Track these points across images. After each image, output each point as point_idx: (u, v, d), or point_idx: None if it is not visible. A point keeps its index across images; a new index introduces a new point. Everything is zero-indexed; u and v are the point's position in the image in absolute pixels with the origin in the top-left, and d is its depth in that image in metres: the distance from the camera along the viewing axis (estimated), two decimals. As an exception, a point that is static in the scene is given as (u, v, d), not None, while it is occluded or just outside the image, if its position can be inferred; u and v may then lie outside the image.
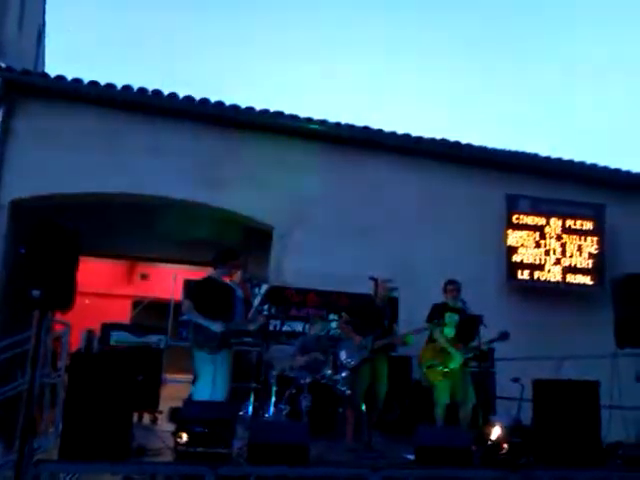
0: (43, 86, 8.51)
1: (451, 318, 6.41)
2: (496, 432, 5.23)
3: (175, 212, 9.27)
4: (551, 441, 4.94)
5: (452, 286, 6.54)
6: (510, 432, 5.08)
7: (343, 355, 6.40)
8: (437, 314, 6.39)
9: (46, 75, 8.78)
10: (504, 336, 6.28)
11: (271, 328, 7.32)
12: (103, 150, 8.54)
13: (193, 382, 6.45)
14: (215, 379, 5.59)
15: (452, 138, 9.77)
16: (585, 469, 4.97)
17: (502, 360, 7.48)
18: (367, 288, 6.64)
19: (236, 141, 9.09)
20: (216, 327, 5.60)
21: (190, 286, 6.03)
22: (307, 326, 7.83)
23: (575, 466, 4.89)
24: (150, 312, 9.66)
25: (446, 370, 6.16)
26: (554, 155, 10.11)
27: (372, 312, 6.40)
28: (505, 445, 5.00)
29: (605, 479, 5.19)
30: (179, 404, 5.67)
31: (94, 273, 10.44)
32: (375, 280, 6.52)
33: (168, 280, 9.20)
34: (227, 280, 6.01)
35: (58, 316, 5.22)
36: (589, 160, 10.22)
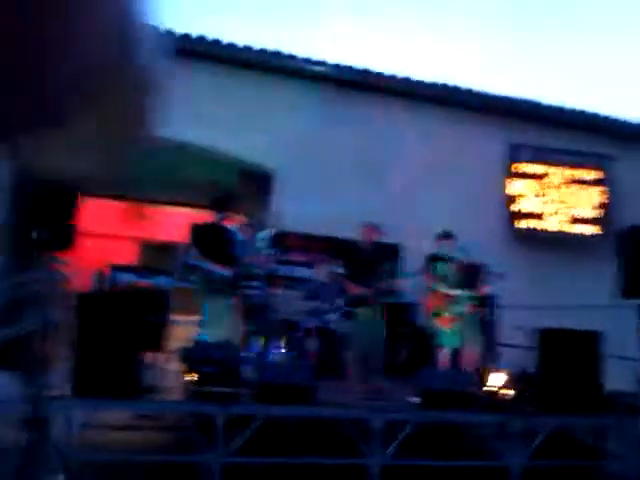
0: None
1: (441, 267, 6.45)
2: (499, 378, 5.33)
3: (177, 155, 9.17)
4: (553, 388, 5.05)
5: (443, 236, 6.56)
6: (513, 379, 5.17)
7: (340, 301, 6.46)
8: (430, 263, 6.46)
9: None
10: (500, 276, 6.32)
11: (276, 273, 7.34)
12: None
13: (199, 324, 6.52)
14: (224, 322, 5.65)
15: (454, 83, 9.59)
16: (585, 416, 5.10)
17: (506, 307, 7.54)
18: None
19: (234, 81, 8.90)
20: (225, 272, 5.62)
21: (195, 231, 6.02)
22: (312, 271, 7.87)
23: (576, 413, 5.01)
24: (158, 254, 9.68)
25: (451, 316, 6.22)
26: (557, 103, 9.96)
27: (361, 258, 6.41)
28: (508, 391, 5.10)
29: (604, 426, 5.33)
30: (188, 345, 5.76)
31: (103, 215, 10.42)
32: (365, 227, 6.50)
33: (174, 222, 9.18)
34: (229, 224, 6.00)
35: (66, 256, 5.22)
36: (596, 110, 10.10)
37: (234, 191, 6.18)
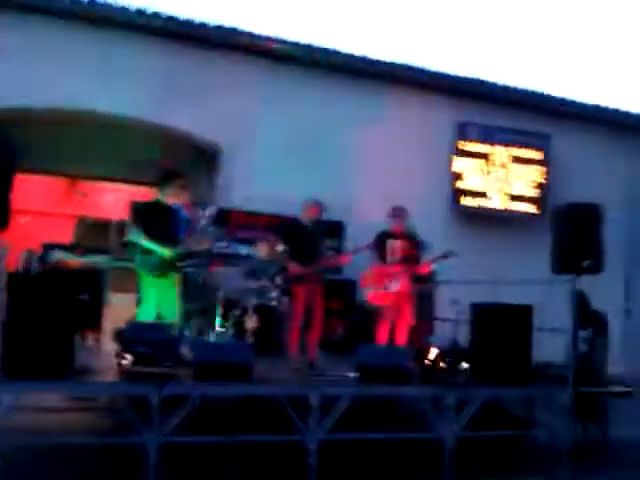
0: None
1: (393, 244, 6.50)
2: (434, 352, 5.44)
3: (117, 130, 8.95)
4: (486, 361, 5.18)
5: (397, 212, 6.60)
6: (447, 352, 5.28)
7: (278, 280, 6.45)
8: (380, 242, 6.48)
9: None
10: (448, 254, 6.40)
11: (217, 250, 7.26)
12: (47, 62, 8.05)
13: (137, 304, 6.41)
14: (163, 302, 5.57)
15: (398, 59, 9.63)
16: (515, 387, 5.26)
17: (443, 283, 7.69)
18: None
19: (185, 58, 8.73)
20: (165, 252, 5.52)
21: (136, 209, 5.86)
22: (253, 249, 7.82)
23: (507, 384, 5.16)
24: (93, 232, 9.44)
25: (386, 292, 6.29)
26: (510, 83, 10.12)
27: (302, 235, 6.41)
28: (442, 364, 5.21)
29: (533, 397, 5.51)
30: (123, 325, 5.66)
31: (34, 191, 10.08)
32: (308, 204, 6.50)
33: (111, 199, 8.97)
34: (172, 201, 5.89)
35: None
36: (540, 89, 10.30)
37: (178, 168, 6.03)
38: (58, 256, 6.86)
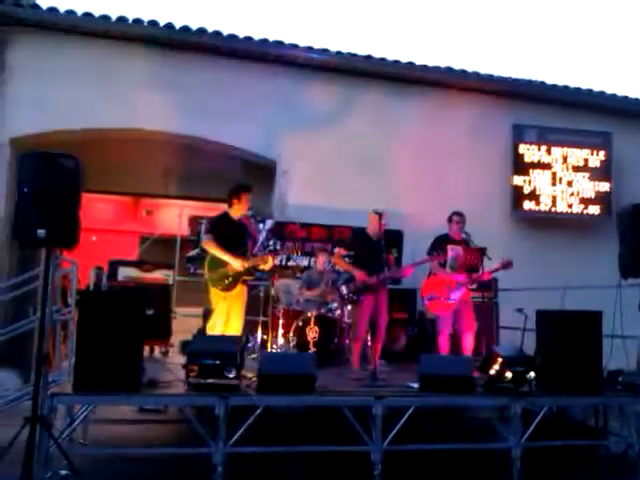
0: (36, 19, 8.26)
1: (453, 250, 6.41)
2: (499, 361, 5.33)
3: (176, 147, 9.19)
4: (553, 370, 5.05)
5: (457, 217, 6.52)
6: (513, 361, 5.17)
7: (344, 289, 6.46)
8: (438, 246, 6.41)
9: (37, 7, 8.50)
10: (507, 265, 6.26)
11: (277, 263, 7.38)
12: (101, 84, 8.37)
13: (204, 316, 6.55)
14: (230, 315, 5.68)
15: (457, 65, 9.57)
16: (584, 396, 5.10)
17: (506, 290, 7.54)
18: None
19: (235, 73, 8.89)
20: (236, 264, 5.64)
21: (208, 222, 6.03)
22: (312, 260, 7.90)
23: (575, 393, 5.02)
24: (157, 248, 9.71)
25: (447, 302, 6.21)
26: (561, 83, 9.91)
27: (369, 245, 6.41)
28: (507, 374, 5.10)
29: (604, 406, 5.33)
30: (189, 337, 5.80)
31: (100, 210, 10.47)
32: (376, 213, 6.50)
33: (173, 216, 9.20)
34: (238, 215, 5.99)
35: (65, 253, 5.26)
36: (599, 88, 10.03)
37: (247, 182, 6.15)
38: (124, 272, 7.08)
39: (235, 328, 5.74)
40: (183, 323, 7.28)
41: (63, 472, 3.90)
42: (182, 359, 5.17)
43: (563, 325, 5.20)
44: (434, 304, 6.30)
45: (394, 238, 8.01)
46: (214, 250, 5.73)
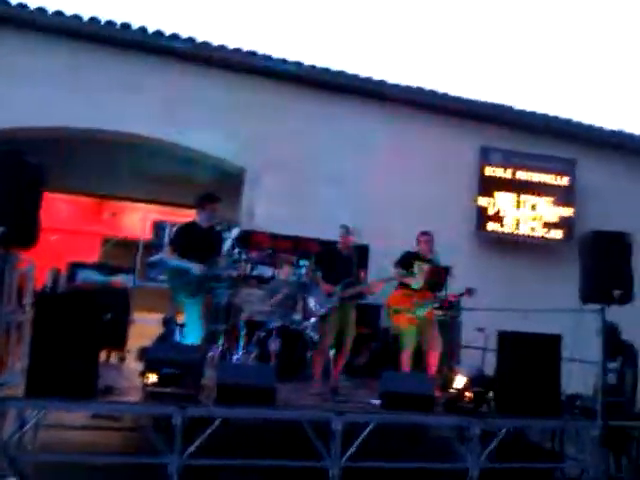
0: (5, 14, 8.06)
1: (420, 268, 6.43)
2: (460, 381, 5.35)
3: (144, 151, 9.05)
4: (512, 391, 5.09)
5: (425, 237, 6.55)
6: (473, 381, 5.19)
7: (312, 302, 6.42)
8: (406, 261, 6.42)
9: (7, 3, 8.27)
10: (470, 292, 6.35)
11: (240, 272, 7.29)
12: (70, 84, 8.22)
13: (164, 323, 6.43)
14: (198, 324, 5.58)
15: (428, 86, 9.66)
16: (543, 419, 5.15)
17: (469, 310, 7.59)
18: (337, 235, 6.63)
19: (207, 80, 8.82)
20: (194, 269, 5.54)
21: (177, 231, 5.93)
22: (276, 271, 7.84)
23: (534, 416, 5.06)
24: (119, 251, 9.53)
25: (412, 316, 6.22)
26: (529, 108, 10.10)
27: (339, 260, 6.42)
28: (468, 394, 5.12)
29: (561, 429, 5.38)
30: (148, 344, 5.67)
31: (62, 210, 10.23)
32: (343, 228, 6.50)
33: (137, 219, 9.05)
34: (206, 224, 5.89)
35: (24, 253, 5.10)
36: (565, 115, 10.24)
37: (213, 193, 6.08)
38: (85, 275, 6.92)
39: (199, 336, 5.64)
40: (141, 329, 7.13)
41: (11, 479, 3.74)
42: (139, 366, 5.06)
43: (523, 347, 5.25)
44: (399, 317, 6.29)
45: (360, 253, 7.99)
46: (174, 260, 5.63)
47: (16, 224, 4.13)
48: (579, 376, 5.35)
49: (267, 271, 8.07)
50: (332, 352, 6.14)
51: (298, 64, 9.05)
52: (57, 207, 9.62)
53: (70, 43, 8.29)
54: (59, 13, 8.14)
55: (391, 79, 9.48)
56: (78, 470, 4.34)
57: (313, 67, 9.14)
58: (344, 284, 6.26)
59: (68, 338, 4.26)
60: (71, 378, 4.20)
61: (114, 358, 6.79)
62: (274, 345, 6.15)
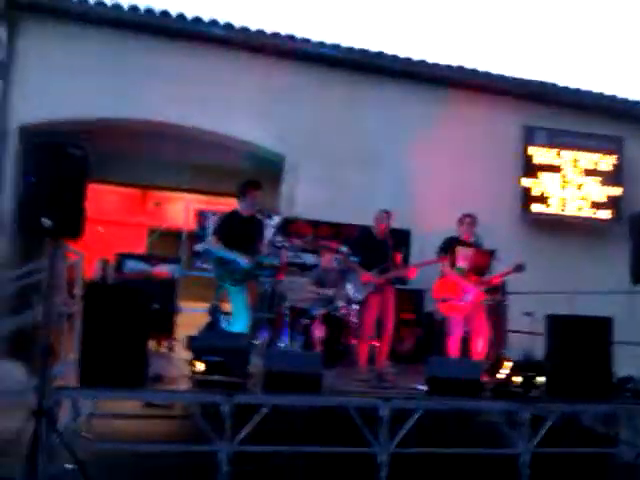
0: (47, 5, 8.17)
1: (463, 252, 6.34)
2: (508, 365, 5.27)
3: (184, 140, 9.12)
4: (562, 375, 4.99)
5: (468, 219, 6.44)
6: (521, 366, 5.11)
7: (350, 288, 6.43)
8: (449, 247, 6.34)
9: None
10: (519, 268, 6.19)
11: (283, 260, 7.31)
12: (110, 75, 8.29)
13: (210, 312, 6.51)
14: (245, 312, 5.65)
15: (469, 65, 9.47)
16: (594, 402, 5.04)
17: (515, 294, 7.48)
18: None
19: (245, 66, 8.79)
20: (243, 262, 5.58)
21: (217, 220, 5.98)
22: (319, 258, 7.83)
23: (585, 400, 4.95)
24: (165, 241, 9.66)
25: (460, 304, 6.14)
26: (573, 85, 9.81)
27: (374, 245, 6.38)
28: (517, 378, 5.05)
29: (614, 413, 5.27)
30: (195, 332, 5.75)
31: (107, 201, 10.41)
32: (379, 213, 6.46)
33: (180, 209, 9.14)
34: (248, 212, 5.92)
35: (72, 244, 5.20)
36: (611, 92, 9.92)
37: (255, 179, 6.10)
38: (132, 265, 7.04)
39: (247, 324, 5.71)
40: (189, 318, 7.23)
41: (69, 466, 3.85)
42: (188, 355, 5.13)
43: (573, 330, 5.14)
44: (447, 306, 6.23)
45: (401, 237, 7.94)
46: (220, 250, 5.68)
47: (63, 216, 4.18)
48: (632, 359, 5.21)
49: (310, 258, 8.08)
50: (376, 337, 6.14)
51: (336, 46, 8.97)
52: (102, 198, 9.79)
53: (110, 33, 8.35)
54: (100, 3, 8.23)
55: (430, 59, 9.33)
56: (132, 458, 4.45)
57: (351, 49, 9.03)
58: (380, 269, 6.24)
59: (118, 328, 4.33)
60: (122, 367, 4.27)
61: (163, 347, 6.91)
62: (318, 332, 6.16)
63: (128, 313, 4.42)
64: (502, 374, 5.11)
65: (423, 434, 4.68)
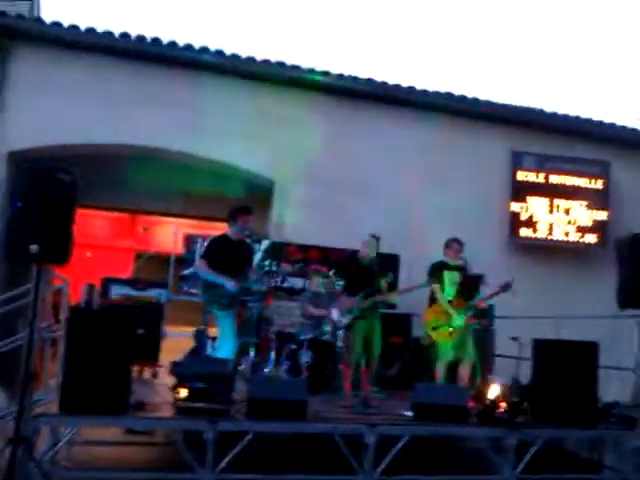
0: (39, 33, 8.25)
1: (450, 277, 6.34)
2: (494, 391, 5.25)
3: (174, 165, 9.15)
4: (548, 400, 4.98)
5: (455, 244, 6.45)
6: (508, 391, 5.10)
7: (335, 314, 6.43)
8: (435, 273, 6.33)
9: (41, 20, 8.53)
10: (506, 287, 6.14)
11: (271, 284, 7.30)
12: (101, 100, 8.35)
13: (195, 336, 6.46)
14: (232, 337, 5.62)
15: (457, 91, 9.57)
16: (580, 428, 5.02)
17: (502, 318, 7.47)
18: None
19: (236, 92, 8.85)
20: (230, 285, 5.56)
21: (206, 244, 5.97)
22: (307, 282, 7.82)
23: (571, 425, 4.93)
24: (152, 265, 9.64)
25: (451, 330, 6.10)
26: (561, 111, 9.92)
27: (359, 270, 6.39)
28: (503, 404, 5.03)
29: (599, 438, 5.24)
30: (180, 358, 5.71)
31: (95, 226, 10.40)
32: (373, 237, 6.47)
33: (169, 233, 9.13)
34: (237, 237, 5.91)
35: (58, 269, 5.18)
36: (598, 117, 10.03)
37: (246, 204, 6.12)
38: (118, 290, 7.01)
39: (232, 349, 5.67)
40: (174, 343, 7.18)
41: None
42: (171, 380, 5.09)
43: (559, 355, 5.15)
44: (439, 333, 6.17)
45: (390, 262, 7.95)
46: (208, 274, 5.66)
47: (50, 241, 4.18)
48: (618, 384, 5.20)
49: (298, 283, 8.06)
50: (362, 363, 6.11)
51: (326, 73, 9.05)
52: (90, 223, 9.78)
53: (101, 59, 8.42)
54: (91, 30, 8.30)
55: (419, 85, 9.43)
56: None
57: (341, 76, 9.13)
58: (364, 294, 6.25)
59: (101, 354, 4.31)
60: (104, 394, 4.24)
61: (147, 373, 6.85)
62: (305, 357, 6.14)
63: (111, 339, 4.40)
64: (488, 400, 5.08)
65: (409, 460, 4.64)
